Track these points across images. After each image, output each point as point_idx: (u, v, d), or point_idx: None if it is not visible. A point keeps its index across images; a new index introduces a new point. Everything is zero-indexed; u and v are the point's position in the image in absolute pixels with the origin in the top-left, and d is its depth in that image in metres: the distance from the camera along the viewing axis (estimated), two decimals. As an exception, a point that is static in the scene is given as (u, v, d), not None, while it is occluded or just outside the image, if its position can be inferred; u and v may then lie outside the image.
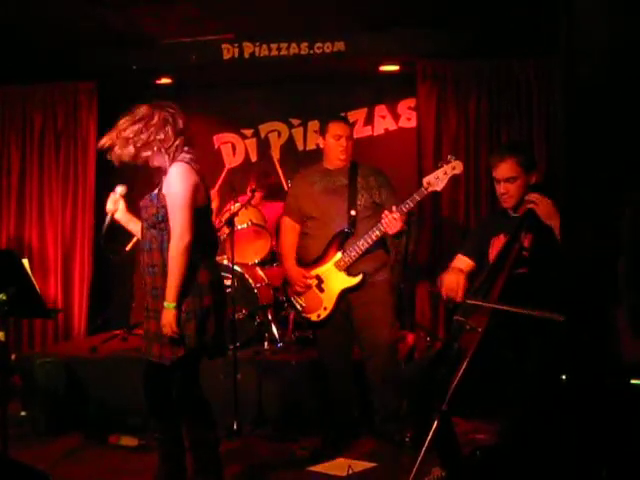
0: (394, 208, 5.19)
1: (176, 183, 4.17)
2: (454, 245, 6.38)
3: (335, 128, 5.51)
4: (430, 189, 5.16)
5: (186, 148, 4.27)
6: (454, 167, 5.15)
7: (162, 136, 4.22)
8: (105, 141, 4.29)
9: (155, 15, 7.02)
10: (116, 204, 4.41)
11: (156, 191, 4.28)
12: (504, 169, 4.45)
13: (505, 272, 4.11)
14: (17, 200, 8.28)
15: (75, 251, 8.24)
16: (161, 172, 4.31)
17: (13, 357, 6.67)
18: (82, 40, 7.54)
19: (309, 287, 5.47)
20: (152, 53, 7.86)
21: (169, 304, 4.14)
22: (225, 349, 4.63)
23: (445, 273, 4.56)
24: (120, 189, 4.39)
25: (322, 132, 5.59)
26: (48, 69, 7.90)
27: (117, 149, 4.23)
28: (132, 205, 4.47)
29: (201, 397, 4.44)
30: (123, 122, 4.24)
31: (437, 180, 5.14)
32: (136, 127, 4.21)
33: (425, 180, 5.19)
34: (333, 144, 5.48)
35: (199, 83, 8.42)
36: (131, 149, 4.21)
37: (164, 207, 4.18)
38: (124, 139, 4.21)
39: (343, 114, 5.79)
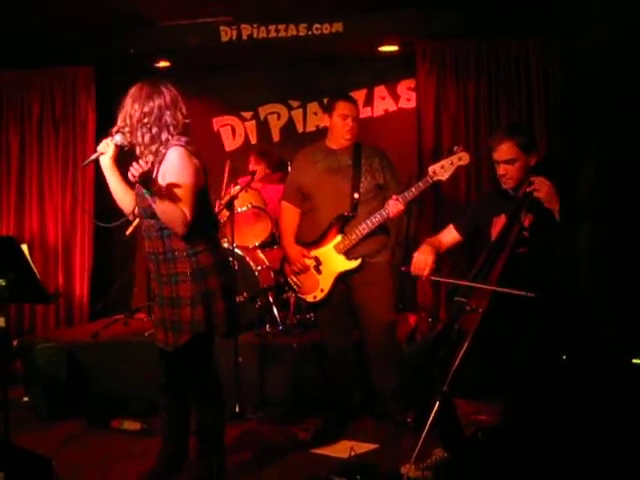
0: (397, 197, 5.17)
1: (178, 168, 4.14)
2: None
3: (342, 107, 5.47)
4: (435, 178, 5.13)
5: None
6: (460, 158, 5.11)
7: (173, 118, 4.22)
8: (119, 127, 4.25)
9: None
10: (106, 148, 4.28)
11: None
12: (503, 151, 4.44)
13: (506, 252, 4.12)
14: (17, 186, 8.26)
15: (75, 236, 8.22)
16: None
17: (15, 343, 6.66)
18: (80, 24, 7.48)
19: (308, 267, 5.45)
20: (150, 36, 7.81)
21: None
22: (239, 328, 4.61)
23: (417, 251, 4.62)
24: (118, 137, 4.27)
25: (328, 110, 5.55)
26: (46, 54, 7.87)
27: (132, 133, 4.21)
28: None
29: (215, 380, 4.47)
30: (132, 103, 4.19)
31: (442, 170, 5.11)
32: (148, 108, 4.18)
33: (430, 169, 5.15)
34: (339, 124, 5.45)
35: (198, 66, 8.38)
36: (148, 132, 4.19)
37: None
38: (139, 122, 4.19)
39: (329, 97, 5.72)
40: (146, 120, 4.17)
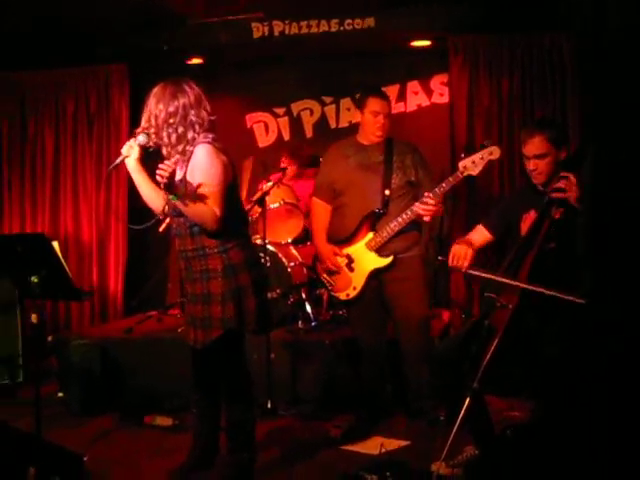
0: (428, 195, 5.13)
1: (206, 165, 4.14)
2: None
3: (373, 104, 5.43)
4: (466, 173, 5.09)
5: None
6: (491, 152, 5.06)
7: (198, 116, 4.21)
8: (143, 127, 4.24)
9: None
10: (130, 150, 4.24)
11: (179, 177, 4.24)
12: (533, 146, 4.38)
13: (535, 249, 4.08)
14: (52, 184, 8.33)
15: (110, 233, 8.29)
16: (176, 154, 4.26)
17: (49, 339, 6.72)
18: (113, 22, 7.53)
19: (340, 265, 5.44)
20: (183, 33, 7.83)
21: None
22: (270, 325, 4.60)
23: (456, 243, 4.55)
24: (141, 138, 4.27)
25: (360, 105, 5.52)
26: (79, 52, 7.91)
27: (157, 134, 4.21)
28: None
29: (245, 377, 4.47)
30: (157, 103, 4.20)
31: (473, 164, 5.07)
32: (173, 108, 4.17)
33: (461, 164, 5.11)
34: (370, 120, 5.42)
35: (230, 63, 8.39)
36: (174, 132, 4.19)
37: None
38: (165, 123, 4.19)
39: (360, 92, 5.69)
40: (172, 120, 4.17)
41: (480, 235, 4.66)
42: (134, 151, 4.24)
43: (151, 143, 4.24)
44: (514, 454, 3.70)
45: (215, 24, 7.68)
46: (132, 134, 4.30)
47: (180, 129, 4.17)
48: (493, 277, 4.08)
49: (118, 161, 4.32)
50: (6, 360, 6.31)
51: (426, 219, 5.22)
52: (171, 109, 4.16)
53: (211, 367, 4.42)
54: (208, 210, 4.09)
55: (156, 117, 4.18)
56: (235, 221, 4.31)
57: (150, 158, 4.32)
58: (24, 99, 8.36)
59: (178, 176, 4.25)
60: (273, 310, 6.36)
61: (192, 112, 4.18)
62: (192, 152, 4.18)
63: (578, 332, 3.87)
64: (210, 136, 4.21)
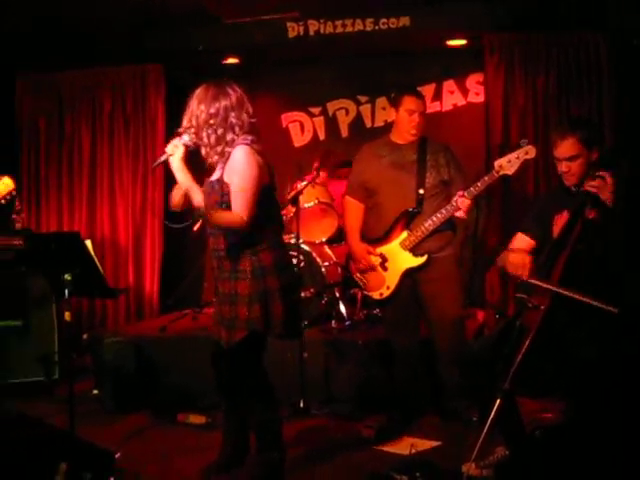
0: (463, 193, 5.12)
1: (242, 167, 4.16)
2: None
3: (408, 102, 5.42)
4: (501, 172, 5.07)
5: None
6: (527, 152, 5.03)
7: (239, 118, 4.24)
8: (185, 127, 4.28)
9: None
10: (175, 149, 4.29)
11: (216, 177, 4.28)
12: (565, 148, 4.32)
13: (567, 250, 4.04)
14: (88, 182, 8.41)
15: (146, 231, 8.34)
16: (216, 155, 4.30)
17: (85, 337, 6.78)
18: (149, 22, 7.59)
19: (374, 265, 5.43)
20: (218, 33, 7.88)
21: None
22: (298, 331, 4.59)
23: (508, 252, 4.48)
24: (186, 137, 4.31)
25: (395, 104, 5.49)
26: (116, 52, 7.99)
27: (197, 134, 4.25)
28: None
29: (264, 379, 4.47)
30: (198, 104, 4.23)
31: (509, 164, 5.04)
32: (214, 109, 4.21)
33: (497, 163, 5.09)
34: (405, 118, 5.40)
35: (266, 62, 8.42)
36: (214, 133, 4.22)
37: (227, 194, 4.18)
38: (206, 123, 4.22)
39: (395, 91, 5.68)
40: (212, 121, 4.20)
41: (522, 243, 4.57)
42: (179, 150, 4.28)
43: (191, 143, 4.28)
44: (543, 455, 3.68)
45: (250, 24, 7.70)
46: (175, 133, 4.34)
47: (220, 130, 4.20)
48: (552, 287, 4.00)
49: (162, 159, 4.39)
50: (42, 357, 6.36)
51: (459, 214, 5.18)
52: (212, 110, 4.19)
53: (233, 366, 4.42)
54: (234, 217, 4.13)
55: (197, 117, 4.22)
56: (268, 223, 4.32)
57: (192, 158, 4.37)
58: (61, 98, 8.45)
59: (215, 176, 4.29)
60: (306, 310, 6.37)
61: (232, 114, 4.21)
62: (230, 153, 4.20)
63: (614, 335, 3.84)
64: (249, 138, 4.22)
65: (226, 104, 4.21)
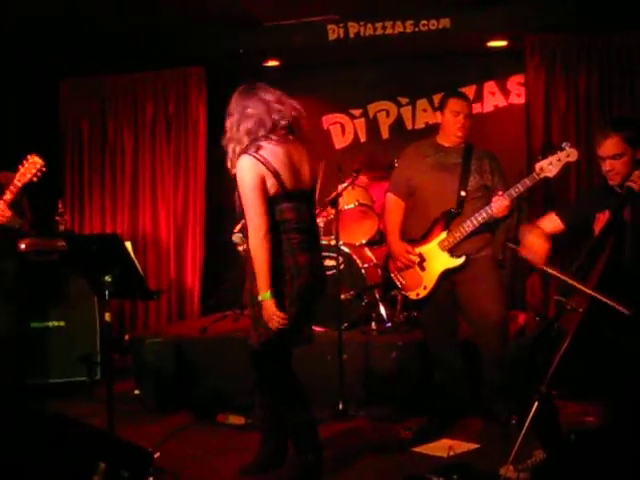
0: (502, 193, 5.12)
1: (241, 178, 4.21)
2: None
3: (454, 104, 5.42)
4: (542, 175, 5.03)
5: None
6: (569, 155, 5.00)
7: (251, 125, 4.25)
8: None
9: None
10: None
11: None
12: (609, 146, 4.28)
13: (607, 251, 4.00)
14: (131, 184, 8.50)
15: (187, 233, 8.40)
16: None
17: (127, 337, 6.85)
18: (190, 26, 7.65)
19: (411, 263, 5.42)
20: (259, 36, 7.92)
21: (264, 294, 4.18)
22: (306, 337, 4.57)
23: (529, 233, 4.45)
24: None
25: (441, 107, 5.51)
26: (158, 56, 8.07)
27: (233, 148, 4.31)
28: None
29: (293, 380, 4.46)
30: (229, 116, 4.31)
31: (550, 166, 5.01)
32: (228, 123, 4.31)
33: (538, 165, 5.06)
34: (451, 120, 5.40)
35: (306, 64, 8.44)
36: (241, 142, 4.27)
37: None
38: (237, 138, 4.28)
39: (443, 93, 5.68)
40: (229, 135, 4.32)
41: (551, 223, 4.55)
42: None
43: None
44: (579, 459, 3.65)
45: (290, 26, 7.74)
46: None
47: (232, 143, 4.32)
48: (567, 279, 3.99)
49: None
50: (83, 358, 6.43)
51: (494, 211, 5.15)
52: (227, 125, 4.31)
53: (262, 368, 4.45)
54: (251, 243, 4.20)
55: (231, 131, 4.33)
56: (288, 228, 4.31)
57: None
58: (104, 101, 8.56)
59: None
60: (346, 312, 6.37)
61: (242, 126, 4.25)
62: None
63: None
64: (257, 144, 4.23)
65: (232, 120, 4.28)
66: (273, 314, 4.16)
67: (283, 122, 4.27)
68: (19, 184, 5.63)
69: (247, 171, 4.18)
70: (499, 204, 5.11)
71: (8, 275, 5.92)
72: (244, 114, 4.24)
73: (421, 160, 5.47)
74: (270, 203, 4.22)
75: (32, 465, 3.83)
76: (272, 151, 4.22)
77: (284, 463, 4.60)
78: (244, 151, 4.22)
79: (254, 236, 4.17)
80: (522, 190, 5.11)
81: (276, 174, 4.21)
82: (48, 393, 6.52)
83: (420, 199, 5.47)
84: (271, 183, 4.22)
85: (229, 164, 4.33)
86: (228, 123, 4.30)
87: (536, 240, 4.38)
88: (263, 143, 4.23)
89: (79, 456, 3.93)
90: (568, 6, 7.04)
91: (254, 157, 4.19)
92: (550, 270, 4.16)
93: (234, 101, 4.31)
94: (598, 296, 3.77)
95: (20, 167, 5.64)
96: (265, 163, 4.19)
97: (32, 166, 5.62)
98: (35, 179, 5.66)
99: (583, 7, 6.95)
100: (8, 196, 5.65)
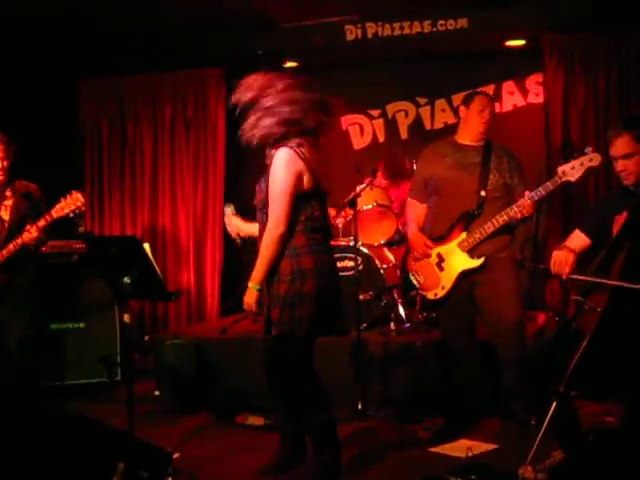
0: (527, 195, 5.08)
1: (278, 170, 4.19)
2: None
3: (482, 99, 5.44)
4: (564, 179, 5.00)
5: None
6: (592, 159, 4.96)
7: (292, 114, 4.24)
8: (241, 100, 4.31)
9: (277, 0, 7.13)
10: (233, 225, 4.64)
11: (265, 176, 4.31)
12: (619, 146, 4.27)
13: (625, 250, 3.98)
14: (150, 185, 8.53)
15: (206, 235, 8.43)
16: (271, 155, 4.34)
17: (147, 338, 6.88)
18: (208, 27, 7.67)
19: (427, 256, 5.42)
20: (277, 37, 7.94)
21: (253, 285, 4.27)
22: (341, 330, 4.59)
23: (556, 249, 4.42)
24: (227, 209, 4.50)
25: (466, 102, 5.48)
26: (176, 56, 8.11)
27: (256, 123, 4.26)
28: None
29: (314, 380, 4.46)
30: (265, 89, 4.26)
31: (572, 170, 4.97)
32: (279, 99, 4.23)
33: (560, 169, 5.02)
34: (476, 116, 5.38)
35: (324, 65, 8.42)
36: (272, 124, 4.24)
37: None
38: (270, 111, 4.23)
39: (470, 91, 5.67)
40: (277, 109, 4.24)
41: (578, 240, 4.53)
42: (235, 221, 4.86)
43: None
44: (598, 460, 3.63)
45: (309, 27, 7.76)
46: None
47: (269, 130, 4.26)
48: (595, 280, 3.98)
49: (237, 243, 5.03)
50: (103, 359, 6.46)
51: (517, 213, 5.14)
52: (265, 101, 4.24)
53: (277, 369, 4.46)
54: (268, 238, 4.21)
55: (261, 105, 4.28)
56: (310, 228, 4.33)
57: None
58: (123, 102, 8.59)
59: (266, 175, 4.34)
60: (365, 312, 6.38)
61: (281, 111, 4.22)
62: (272, 155, 4.25)
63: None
64: (296, 140, 4.23)
65: (272, 101, 4.23)
66: (251, 304, 4.31)
67: (316, 125, 4.30)
68: (55, 215, 5.67)
69: (287, 164, 4.19)
70: (522, 206, 5.09)
71: (24, 288, 5.95)
72: (287, 102, 4.22)
73: (439, 160, 5.46)
74: (301, 199, 4.23)
75: (52, 465, 3.86)
76: (309, 150, 4.25)
77: (302, 463, 4.61)
78: (283, 143, 4.22)
79: (272, 230, 4.18)
80: (544, 194, 5.08)
81: (312, 171, 4.25)
82: (68, 394, 6.57)
83: (439, 199, 5.46)
84: (307, 179, 4.24)
85: (248, 134, 4.31)
86: (267, 101, 4.23)
87: (561, 254, 4.34)
88: (302, 140, 4.23)
89: (98, 456, 3.95)
90: (586, 4, 7.01)
91: (296, 151, 4.21)
92: (575, 276, 4.15)
93: (280, 83, 4.27)
94: (625, 285, 3.76)
95: (61, 199, 5.67)
96: (304, 160, 4.21)
97: (72, 202, 5.66)
98: (72, 215, 5.70)
99: (601, 5, 6.90)
100: (42, 223, 5.68)
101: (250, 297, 4.29)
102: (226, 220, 4.75)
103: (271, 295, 4.30)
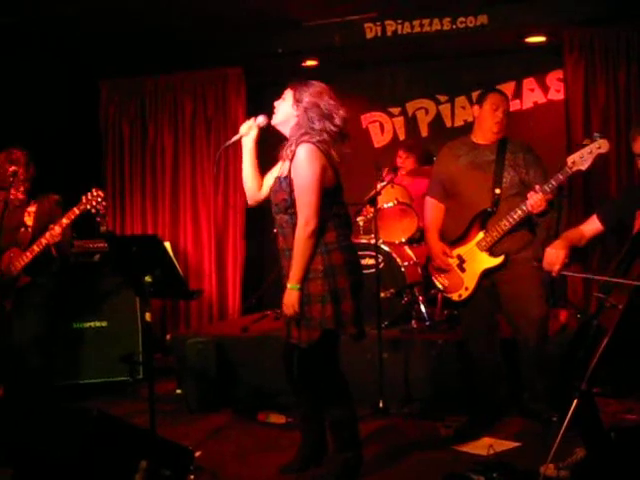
0: (537, 188, 5.06)
1: (303, 166, 4.18)
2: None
3: (494, 98, 5.40)
4: (574, 168, 4.96)
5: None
6: (599, 146, 4.90)
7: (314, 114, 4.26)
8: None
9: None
10: (249, 130, 4.49)
11: (284, 174, 4.30)
12: None
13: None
14: (171, 185, 8.57)
15: (227, 233, 8.45)
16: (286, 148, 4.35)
17: (168, 337, 6.91)
18: (228, 26, 7.68)
19: (449, 264, 5.41)
20: (297, 36, 7.94)
21: (293, 286, 4.22)
22: (364, 331, 4.60)
23: (549, 247, 4.41)
24: (261, 119, 4.43)
25: (479, 101, 5.47)
26: (196, 56, 8.14)
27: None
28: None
29: (340, 377, 4.48)
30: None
31: (582, 159, 4.94)
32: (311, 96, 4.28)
33: (569, 159, 4.99)
34: (489, 114, 5.35)
35: (344, 63, 8.46)
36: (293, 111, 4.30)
37: (294, 191, 4.22)
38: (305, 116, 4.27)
39: (484, 89, 5.67)
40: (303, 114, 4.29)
41: (592, 225, 4.51)
42: (253, 132, 4.49)
43: (264, 125, 4.44)
44: (620, 457, 3.62)
45: (328, 25, 7.76)
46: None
47: (301, 125, 4.28)
48: (585, 276, 3.98)
49: (235, 139, 4.59)
50: (126, 357, 6.49)
51: (529, 207, 5.12)
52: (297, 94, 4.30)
53: (309, 366, 4.46)
54: (300, 235, 4.19)
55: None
56: (338, 224, 4.34)
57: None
58: (144, 102, 8.62)
59: (283, 172, 4.33)
60: (386, 310, 6.37)
61: (311, 112, 4.25)
62: (294, 152, 4.24)
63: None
64: (317, 137, 4.23)
65: (312, 101, 4.26)
66: (294, 304, 4.22)
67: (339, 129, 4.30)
68: (77, 212, 5.73)
69: (311, 160, 4.18)
70: (534, 200, 5.06)
71: (45, 289, 5.99)
72: (317, 105, 4.25)
73: (454, 161, 5.45)
74: (327, 195, 4.24)
75: (75, 462, 3.89)
76: (330, 146, 4.25)
77: (323, 461, 4.62)
78: (305, 140, 4.22)
79: (305, 227, 4.17)
80: (555, 185, 5.04)
81: (334, 166, 4.27)
82: (90, 393, 6.59)
83: (456, 200, 5.46)
84: (330, 174, 4.25)
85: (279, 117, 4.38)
86: (317, 95, 4.28)
87: (551, 252, 4.35)
88: (324, 138, 4.23)
89: (121, 454, 3.99)
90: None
91: (318, 147, 4.21)
92: (566, 273, 4.16)
93: (311, 88, 4.31)
94: (621, 281, 3.76)
95: (83, 197, 5.73)
96: (327, 155, 4.21)
97: (93, 199, 5.71)
98: (94, 211, 5.75)
99: (622, 0, 6.88)
100: (65, 221, 5.74)
101: (291, 298, 4.23)
102: (247, 123, 4.60)
103: (306, 293, 4.28)
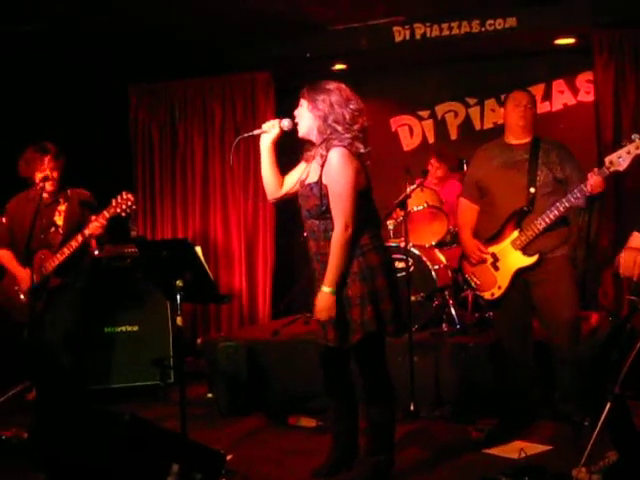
0: (595, 170, 4.99)
1: (338, 172, 4.17)
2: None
3: (516, 95, 5.41)
4: (612, 169, 4.94)
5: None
6: (638, 146, 4.88)
7: (341, 116, 4.23)
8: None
9: (324, 3, 7.15)
10: (271, 128, 4.49)
11: (314, 179, 4.29)
12: None
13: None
14: (201, 189, 8.60)
15: (258, 238, 8.48)
16: (313, 152, 4.37)
17: (199, 341, 6.94)
18: (257, 31, 7.71)
19: (484, 261, 5.40)
20: (325, 40, 7.97)
21: (328, 289, 4.19)
22: (405, 327, 4.60)
23: (622, 252, 4.37)
24: (286, 122, 4.43)
25: (504, 103, 5.50)
26: (225, 61, 8.18)
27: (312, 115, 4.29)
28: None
29: (386, 378, 4.48)
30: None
31: (620, 159, 4.91)
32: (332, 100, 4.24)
33: (607, 159, 4.97)
34: (512, 111, 5.35)
35: (373, 67, 8.46)
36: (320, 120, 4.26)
37: (327, 196, 4.20)
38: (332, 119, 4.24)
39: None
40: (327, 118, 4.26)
41: (637, 240, 4.43)
42: (274, 130, 4.49)
43: (289, 128, 4.43)
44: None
45: (357, 30, 7.77)
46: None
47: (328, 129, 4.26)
48: None
49: (255, 132, 4.60)
50: (157, 361, 6.52)
51: (590, 188, 5.05)
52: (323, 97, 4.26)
53: (343, 369, 4.46)
54: (337, 238, 4.17)
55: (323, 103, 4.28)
56: (372, 225, 4.35)
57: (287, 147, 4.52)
58: (174, 107, 8.67)
59: (313, 178, 4.31)
60: (417, 313, 6.37)
61: (331, 117, 4.23)
62: (327, 156, 4.23)
63: None
64: (347, 139, 4.22)
65: (334, 100, 4.23)
66: (330, 308, 4.20)
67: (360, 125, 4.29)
68: (107, 215, 5.76)
69: (345, 165, 4.17)
70: (594, 180, 4.98)
71: (75, 289, 6.04)
72: (346, 104, 4.23)
73: (488, 162, 5.45)
74: (361, 197, 4.23)
75: (107, 466, 3.91)
76: (358, 146, 4.24)
77: (353, 465, 4.61)
78: (336, 145, 4.22)
79: (343, 232, 4.15)
80: (608, 174, 5.00)
81: (365, 167, 4.27)
82: (122, 396, 6.64)
83: (490, 200, 5.44)
84: (363, 176, 4.25)
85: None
86: (332, 98, 4.23)
87: (628, 255, 4.27)
88: (351, 138, 4.22)
89: (153, 457, 4.01)
90: (636, 1, 6.92)
91: (349, 150, 4.20)
92: None
93: (323, 94, 4.27)
94: None
95: (113, 200, 5.76)
96: (359, 158, 4.22)
97: (123, 202, 5.75)
98: (124, 214, 5.79)
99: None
100: (106, 214, 5.78)
101: (327, 302, 4.20)
102: (272, 122, 4.61)
103: (344, 296, 4.27)
